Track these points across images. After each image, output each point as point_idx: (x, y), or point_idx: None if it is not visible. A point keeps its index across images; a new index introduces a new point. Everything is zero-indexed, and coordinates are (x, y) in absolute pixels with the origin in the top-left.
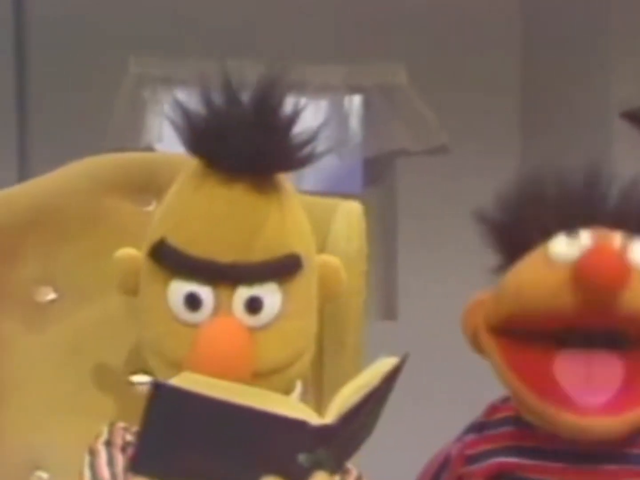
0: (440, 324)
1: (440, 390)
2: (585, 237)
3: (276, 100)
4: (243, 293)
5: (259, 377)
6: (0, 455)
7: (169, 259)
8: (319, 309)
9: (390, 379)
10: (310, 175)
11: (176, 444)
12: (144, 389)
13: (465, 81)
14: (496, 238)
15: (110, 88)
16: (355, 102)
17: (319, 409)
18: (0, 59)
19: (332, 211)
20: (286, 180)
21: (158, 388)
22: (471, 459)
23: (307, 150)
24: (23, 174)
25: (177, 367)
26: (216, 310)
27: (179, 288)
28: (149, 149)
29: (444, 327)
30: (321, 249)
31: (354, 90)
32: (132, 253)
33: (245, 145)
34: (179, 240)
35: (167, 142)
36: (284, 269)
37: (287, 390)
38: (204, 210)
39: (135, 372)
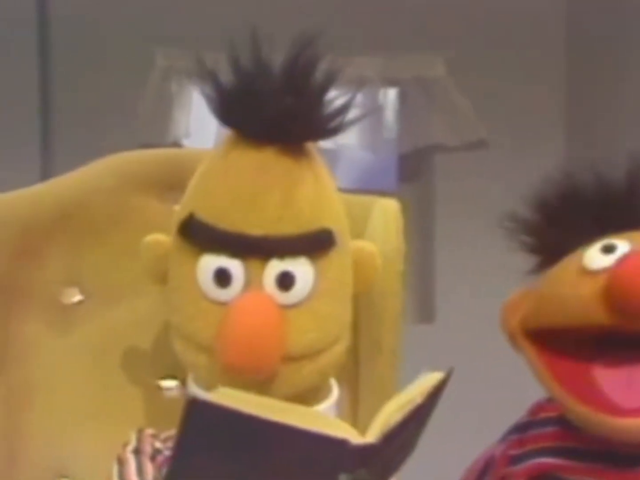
0: (480, 327)
1: (479, 396)
2: (622, 247)
3: (308, 65)
4: (274, 267)
5: (289, 361)
6: (24, 461)
7: (197, 234)
8: (354, 297)
9: (434, 395)
10: (343, 172)
11: (211, 461)
12: (173, 394)
13: (506, 73)
14: (531, 239)
15: (137, 82)
16: (390, 95)
17: (354, 414)
18: (24, 53)
19: (368, 209)
20: (320, 155)
21: (194, 403)
22: (514, 459)
23: (339, 117)
24: (46, 172)
25: (206, 351)
26: (246, 286)
27: (209, 263)
28: (176, 145)
29: (483, 330)
30: None
31: (389, 82)
32: (160, 238)
33: (275, 111)
34: (207, 215)
35: (194, 138)
36: (316, 243)
37: (320, 388)
38: (233, 182)
39: (164, 377)
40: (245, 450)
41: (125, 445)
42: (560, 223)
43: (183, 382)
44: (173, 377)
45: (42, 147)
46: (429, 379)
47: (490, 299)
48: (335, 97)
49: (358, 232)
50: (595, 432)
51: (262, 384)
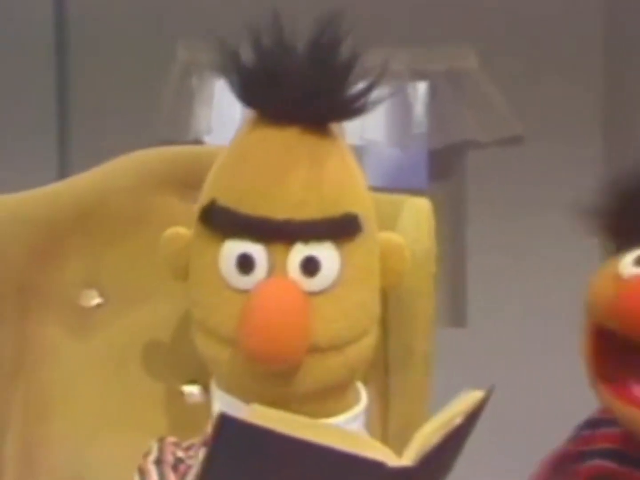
0: (513, 331)
1: (512, 402)
2: None
3: (332, 44)
4: (298, 252)
5: (315, 352)
6: (43, 470)
7: (219, 220)
8: (383, 295)
9: (474, 416)
10: (371, 169)
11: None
12: (196, 400)
13: (542, 66)
14: (609, 224)
15: (157, 77)
16: (420, 89)
17: (384, 423)
18: (41, 47)
19: (398, 208)
20: (345, 138)
21: (225, 421)
22: (583, 456)
23: (363, 96)
24: (64, 170)
25: (229, 343)
26: (270, 272)
27: (231, 249)
28: (198, 142)
29: (517, 334)
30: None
31: (419, 76)
32: (180, 231)
33: (298, 90)
34: (229, 200)
35: (216, 135)
36: (342, 228)
37: (347, 391)
38: (255, 165)
39: (186, 382)
40: (278, 470)
41: (146, 455)
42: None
43: (206, 388)
44: (196, 382)
45: (60, 144)
46: (468, 398)
47: (524, 302)
48: (359, 77)
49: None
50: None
51: (286, 377)
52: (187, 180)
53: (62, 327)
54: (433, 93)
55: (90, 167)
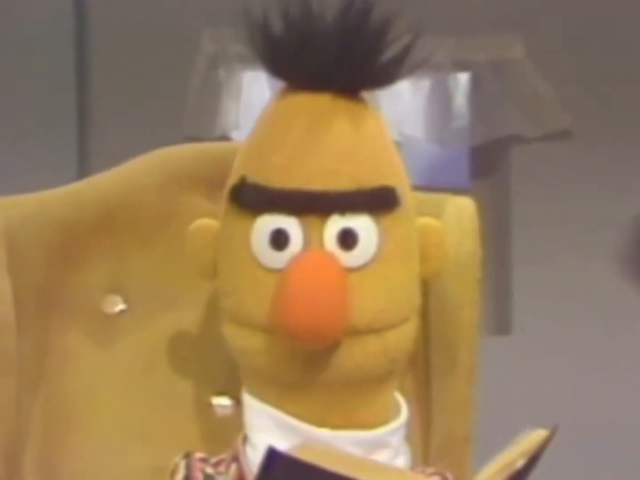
0: (561, 339)
1: (562, 415)
2: None
3: (363, 9)
4: (335, 224)
5: (353, 335)
6: None
7: (250, 197)
8: (422, 280)
9: (536, 456)
10: (409, 167)
11: None
12: (226, 412)
13: (592, 54)
14: None
15: (181, 69)
16: (462, 80)
17: (426, 438)
18: (60, 38)
19: (439, 208)
20: (379, 110)
21: (273, 456)
22: None
23: (396, 64)
24: (84, 169)
25: (264, 330)
26: (305, 246)
27: (264, 226)
28: (225, 138)
29: (565, 342)
30: None
31: (460, 66)
32: (208, 222)
33: (327, 56)
34: (260, 175)
35: (245, 130)
36: (379, 199)
37: (386, 396)
38: (285, 137)
39: (216, 394)
40: None
41: (172, 473)
42: None
43: (236, 399)
44: (226, 393)
45: (80, 142)
46: (531, 438)
47: (572, 308)
48: (392, 43)
49: None
50: None
51: (324, 360)
52: (214, 179)
53: (84, 334)
54: (475, 85)
55: (112, 166)
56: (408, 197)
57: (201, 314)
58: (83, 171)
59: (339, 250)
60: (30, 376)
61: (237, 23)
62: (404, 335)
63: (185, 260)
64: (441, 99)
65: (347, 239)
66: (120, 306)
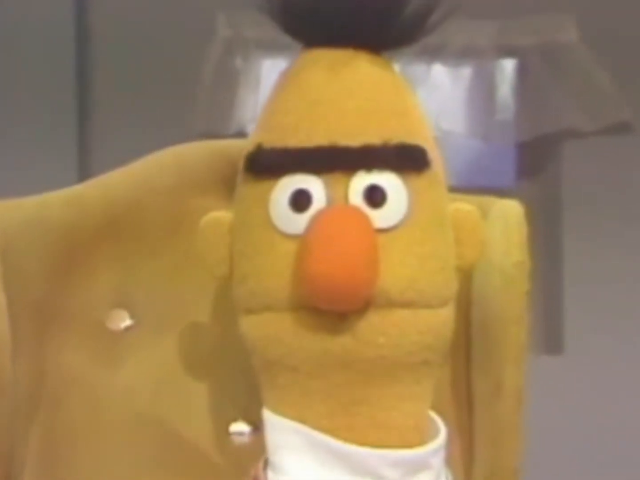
0: (618, 360)
1: (614, 437)
2: None
3: None
4: (361, 180)
5: (385, 307)
6: None
7: (267, 160)
8: (457, 270)
9: None
10: (448, 164)
11: None
12: (244, 441)
13: None
14: None
15: (194, 57)
16: (507, 67)
17: (468, 469)
18: (62, 23)
19: (482, 213)
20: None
21: None
22: None
23: (420, 18)
24: (85, 168)
25: (285, 309)
26: (329, 206)
27: (283, 189)
28: (242, 134)
29: (621, 362)
30: None
31: (506, 52)
32: (220, 214)
33: (345, 13)
34: (277, 138)
35: None
36: (407, 158)
37: (421, 407)
38: (302, 94)
39: (233, 420)
40: None
41: None
42: None
43: (255, 426)
44: (244, 420)
45: (81, 140)
46: None
47: (631, 325)
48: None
49: None
50: None
51: (354, 335)
52: (231, 180)
53: (87, 353)
54: (523, 72)
55: (116, 166)
56: (439, 162)
57: (216, 330)
58: (84, 172)
59: (366, 208)
60: (28, 401)
61: (255, 4)
62: (441, 320)
63: (197, 269)
64: (484, 89)
65: (375, 196)
66: (127, 322)
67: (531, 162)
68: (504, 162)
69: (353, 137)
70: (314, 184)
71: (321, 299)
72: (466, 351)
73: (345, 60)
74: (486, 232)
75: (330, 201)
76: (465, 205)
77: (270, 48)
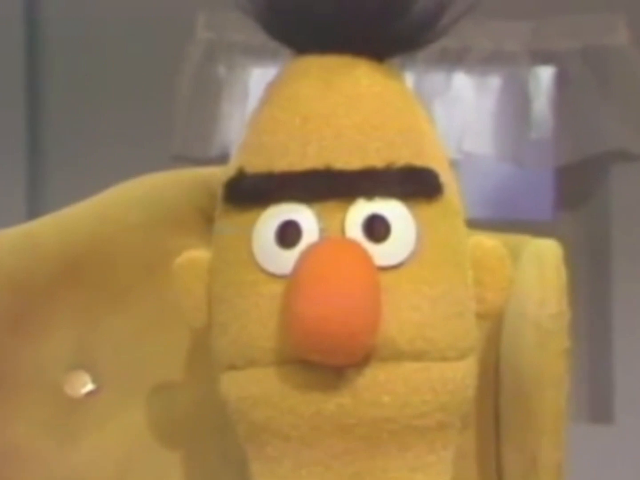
0: None
1: None
2: None
3: None
4: (360, 210)
5: (392, 360)
6: None
7: (250, 187)
8: (478, 318)
9: None
10: (473, 193)
11: None
12: None
13: None
14: None
15: (169, 63)
16: (544, 77)
17: None
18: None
19: (513, 254)
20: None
21: None
22: None
23: (430, 18)
24: (35, 204)
25: (272, 364)
26: (322, 239)
27: (269, 221)
28: (225, 158)
29: None
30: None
31: (542, 58)
32: (197, 253)
33: (339, 12)
34: (261, 163)
35: None
36: (415, 182)
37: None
38: (292, 108)
39: None
40: None
41: None
42: None
43: None
44: None
45: (30, 166)
46: None
47: None
48: None
49: None
50: None
51: (355, 395)
52: (213, 216)
53: (40, 425)
54: (562, 82)
55: (74, 199)
56: (454, 193)
57: (193, 394)
58: (35, 206)
59: (366, 242)
60: None
61: (236, 3)
62: (459, 375)
63: (173, 322)
64: (516, 103)
65: (377, 228)
66: (88, 386)
67: (572, 191)
68: (540, 191)
69: (351, 159)
70: (304, 215)
71: (312, 350)
72: (495, 419)
73: (342, 69)
74: (518, 278)
75: (323, 234)
76: (487, 240)
77: (259, 54)
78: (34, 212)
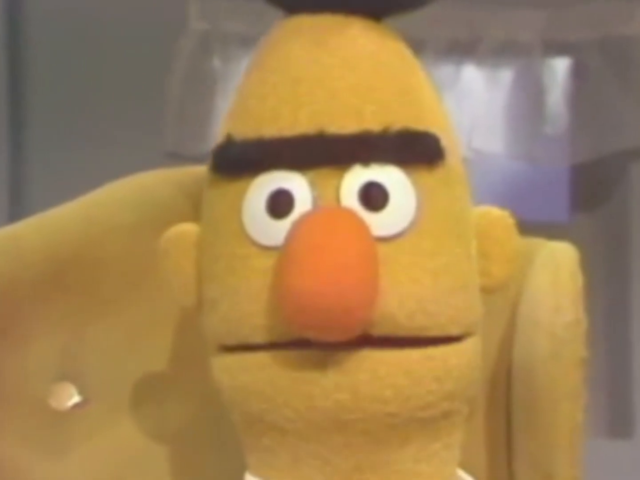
0: None
1: None
2: None
3: None
4: (356, 176)
5: (392, 341)
6: None
7: (238, 157)
8: (482, 291)
9: None
10: (484, 193)
11: None
12: None
13: None
14: None
15: (160, 56)
16: (559, 69)
17: None
18: None
19: (527, 260)
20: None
21: None
22: None
23: None
24: (17, 204)
25: (266, 344)
26: (316, 208)
27: (259, 190)
28: None
29: None
30: (510, 321)
31: (557, 49)
32: (186, 226)
33: None
34: (251, 129)
35: None
36: (414, 147)
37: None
38: (282, 70)
39: None
40: None
41: None
42: None
43: None
44: None
45: (11, 167)
46: None
47: None
48: None
49: (510, 296)
50: None
51: (348, 371)
52: None
53: (23, 440)
54: (579, 75)
55: (59, 201)
56: (457, 159)
57: (188, 405)
58: (17, 208)
59: (363, 211)
60: None
61: None
62: (464, 360)
63: (165, 328)
64: (529, 96)
65: (374, 196)
66: (75, 398)
67: (589, 191)
68: (555, 191)
69: (345, 123)
70: (296, 183)
71: (306, 326)
72: (506, 435)
73: (336, 29)
74: (531, 283)
75: (317, 203)
76: (493, 209)
77: (256, 45)
78: (17, 214)
